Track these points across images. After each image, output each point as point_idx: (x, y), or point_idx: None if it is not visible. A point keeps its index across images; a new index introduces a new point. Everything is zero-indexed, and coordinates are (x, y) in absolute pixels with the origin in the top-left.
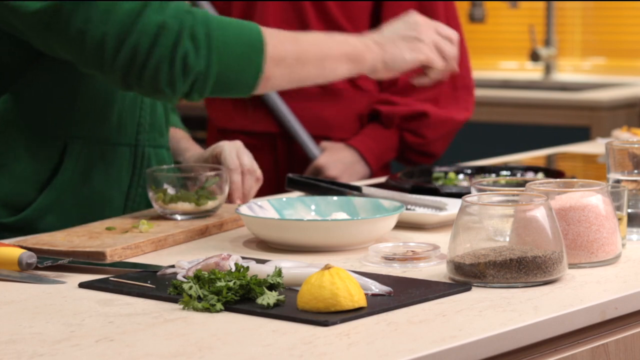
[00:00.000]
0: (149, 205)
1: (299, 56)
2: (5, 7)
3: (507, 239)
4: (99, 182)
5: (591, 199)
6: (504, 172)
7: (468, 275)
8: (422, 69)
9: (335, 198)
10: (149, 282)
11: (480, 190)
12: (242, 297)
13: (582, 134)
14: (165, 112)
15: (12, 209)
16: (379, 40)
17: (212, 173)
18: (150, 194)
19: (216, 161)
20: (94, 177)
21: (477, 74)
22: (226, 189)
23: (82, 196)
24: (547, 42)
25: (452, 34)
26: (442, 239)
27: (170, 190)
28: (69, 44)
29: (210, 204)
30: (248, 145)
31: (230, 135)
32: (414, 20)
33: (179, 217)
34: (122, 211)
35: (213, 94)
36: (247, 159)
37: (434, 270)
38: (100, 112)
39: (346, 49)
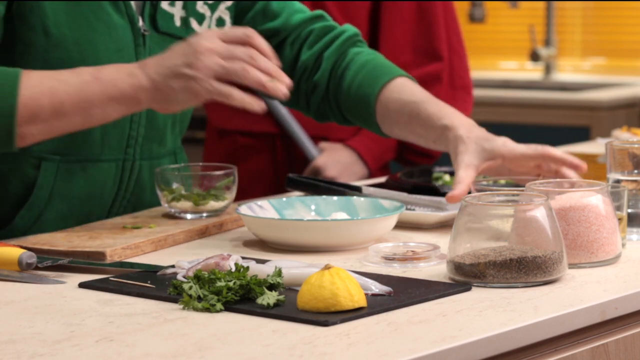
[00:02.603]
0: None
1: (56, 110)
2: None
3: (507, 239)
4: (78, 199)
5: (591, 199)
6: None
7: (468, 275)
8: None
9: (335, 198)
10: (149, 282)
11: (480, 191)
12: (242, 297)
13: (582, 134)
14: (172, 119)
15: None
16: (154, 77)
17: (222, 172)
18: (159, 193)
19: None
20: (72, 194)
21: (477, 74)
22: (234, 190)
23: (60, 213)
24: (547, 42)
25: (245, 48)
26: (442, 239)
27: (180, 190)
28: None
29: (220, 204)
30: (247, 146)
31: (229, 135)
32: (193, 48)
33: (189, 216)
34: None
35: None
36: None
37: (434, 270)
38: (79, 132)
39: (112, 92)
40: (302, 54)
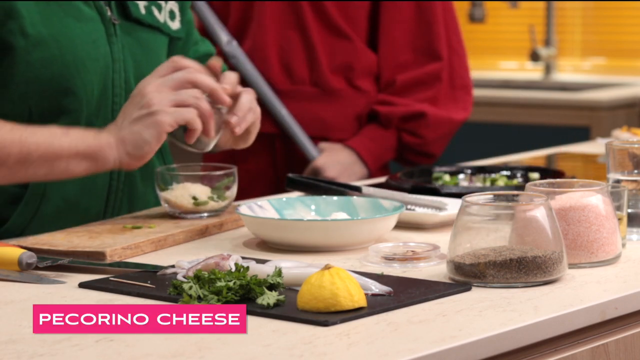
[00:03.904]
0: (131, 209)
1: (23, 159)
2: None
3: (507, 239)
4: (72, 192)
5: (591, 199)
6: (504, 172)
7: (468, 275)
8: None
9: (335, 198)
10: (149, 282)
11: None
12: (242, 297)
13: (582, 134)
14: None
15: None
16: (117, 133)
17: (222, 172)
18: (159, 193)
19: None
20: (66, 187)
21: (477, 74)
22: (234, 190)
23: (56, 208)
24: (547, 42)
25: (189, 72)
26: (442, 239)
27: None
28: None
29: (220, 204)
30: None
31: None
32: (140, 93)
33: (189, 216)
34: (102, 218)
35: None
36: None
37: (434, 270)
38: (66, 124)
39: (79, 146)
40: None
